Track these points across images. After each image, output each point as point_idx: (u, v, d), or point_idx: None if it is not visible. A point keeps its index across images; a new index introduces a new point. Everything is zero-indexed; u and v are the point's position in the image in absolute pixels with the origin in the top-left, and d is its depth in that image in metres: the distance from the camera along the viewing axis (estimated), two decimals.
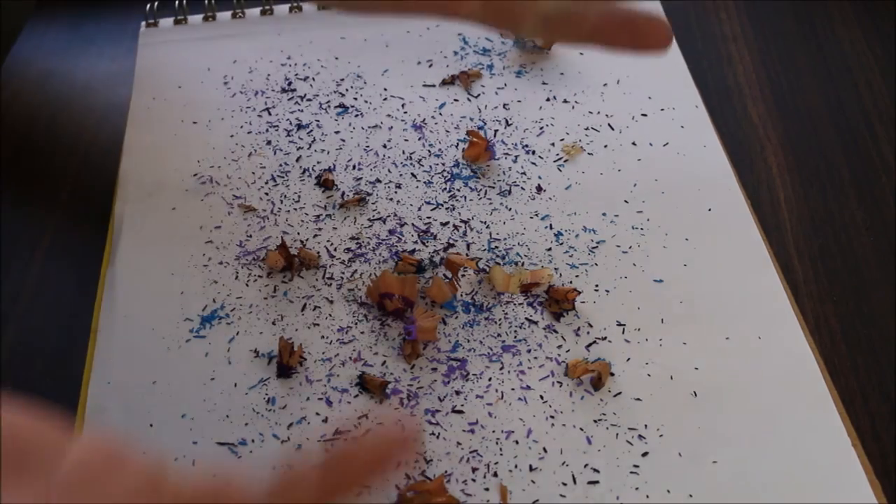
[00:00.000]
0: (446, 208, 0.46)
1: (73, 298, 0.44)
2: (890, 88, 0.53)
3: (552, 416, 0.38)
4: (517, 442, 0.37)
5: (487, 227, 0.45)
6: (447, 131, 0.50)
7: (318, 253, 0.45)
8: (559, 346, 0.40)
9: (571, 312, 0.41)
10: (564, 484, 0.36)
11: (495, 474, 0.36)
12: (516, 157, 0.49)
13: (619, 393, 0.39)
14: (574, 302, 0.41)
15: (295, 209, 0.47)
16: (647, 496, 0.35)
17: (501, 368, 0.40)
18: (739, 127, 0.51)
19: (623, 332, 0.41)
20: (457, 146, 0.50)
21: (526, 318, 0.41)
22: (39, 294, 0.45)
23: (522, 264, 0.43)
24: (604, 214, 0.46)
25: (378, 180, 0.48)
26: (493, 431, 0.38)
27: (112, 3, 0.60)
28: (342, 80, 0.54)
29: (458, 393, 0.39)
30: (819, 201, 0.47)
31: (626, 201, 0.46)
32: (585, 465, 0.36)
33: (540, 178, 0.48)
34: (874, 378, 0.40)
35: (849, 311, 0.42)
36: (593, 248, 0.44)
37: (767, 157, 0.49)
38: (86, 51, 0.58)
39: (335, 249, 0.45)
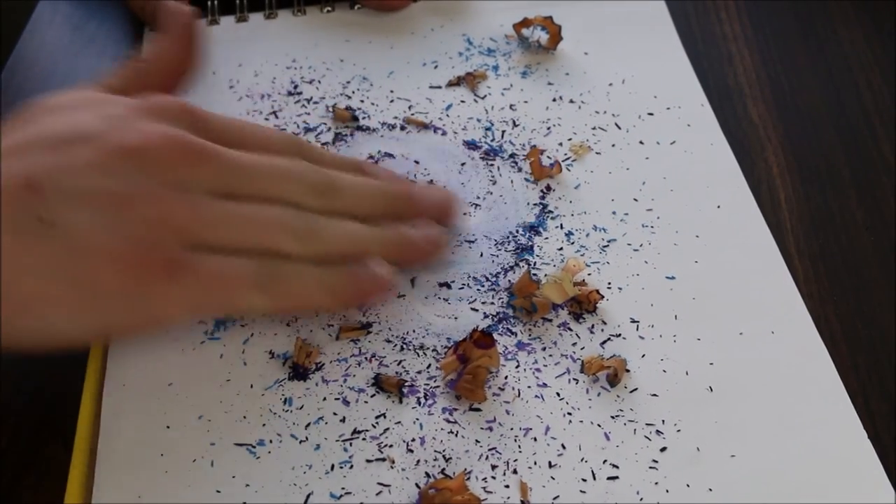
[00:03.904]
0: None
1: None
2: (891, 88, 0.53)
3: (569, 413, 0.38)
4: (535, 439, 0.37)
5: None
6: (455, 133, 0.51)
7: None
8: (574, 344, 0.41)
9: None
10: (584, 480, 0.36)
11: (515, 471, 0.36)
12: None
13: (636, 389, 0.39)
14: (596, 304, 0.41)
15: None
16: (667, 490, 0.36)
17: (517, 366, 0.40)
18: (740, 127, 0.51)
19: (637, 329, 0.41)
20: None
21: (540, 317, 0.42)
22: None
23: (534, 264, 0.44)
24: (614, 213, 0.46)
25: None
26: (511, 429, 0.38)
27: (115, 3, 0.60)
28: (348, 82, 0.54)
29: None
30: (819, 201, 0.48)
31: (635, 199, 0.47)
32: (604, 461, 0.37)
33: (549, 177, 0.48)
34: (875, 378, 0.40)
35: (849, 311, 0.42)
36: (604, 246, 0.44)
37: (768, 156, 0.50)
38: (88, 50, 0.57)
39: None
